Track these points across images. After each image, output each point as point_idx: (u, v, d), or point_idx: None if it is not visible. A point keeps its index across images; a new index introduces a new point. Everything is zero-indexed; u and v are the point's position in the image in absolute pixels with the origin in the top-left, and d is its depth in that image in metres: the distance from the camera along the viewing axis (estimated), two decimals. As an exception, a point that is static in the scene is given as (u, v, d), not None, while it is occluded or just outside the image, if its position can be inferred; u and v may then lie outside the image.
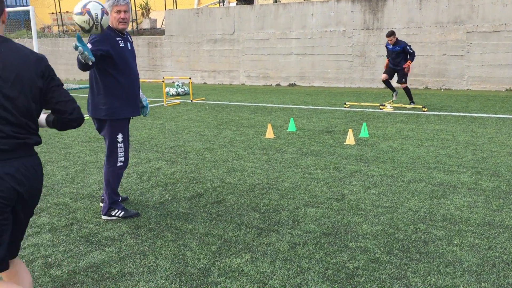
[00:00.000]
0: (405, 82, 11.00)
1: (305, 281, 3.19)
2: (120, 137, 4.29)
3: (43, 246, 3.82)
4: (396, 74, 11.20)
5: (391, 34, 10.84)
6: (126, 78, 4.25)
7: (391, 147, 7.04)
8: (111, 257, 3.59)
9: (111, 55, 4.09)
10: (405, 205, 4.58)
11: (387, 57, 11.21)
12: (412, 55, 10.77)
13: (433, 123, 8.99)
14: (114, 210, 4.37)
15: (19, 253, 2.52)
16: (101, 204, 4.63)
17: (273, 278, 3.23)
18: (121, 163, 4.37)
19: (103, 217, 4.39)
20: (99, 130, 4.35)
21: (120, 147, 4.31)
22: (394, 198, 4.79)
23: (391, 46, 10.93)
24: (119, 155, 4.33)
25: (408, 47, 10.77)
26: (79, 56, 3.68)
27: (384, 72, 11.26)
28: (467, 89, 14.70)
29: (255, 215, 4.41)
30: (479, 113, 10.00)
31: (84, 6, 3.65)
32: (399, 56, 10.89)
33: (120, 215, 4.36)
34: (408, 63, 10.81)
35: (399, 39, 11.15)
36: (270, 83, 18.02)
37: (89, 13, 3.64)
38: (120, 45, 4.20)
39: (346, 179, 5.47)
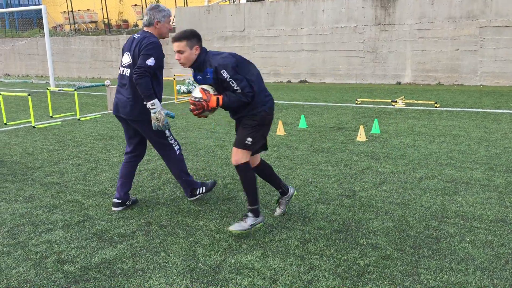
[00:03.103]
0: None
1: (316, 278, 3.18)
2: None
3: (56, 242, 3.87)
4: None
5: (181, 37, 3.83)
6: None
7: (403, 143, 6.99)
8: (123, 254, 3.62)
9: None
10: (417, 202, 4.55)
11: None
12: (245, 96, 3.84)
13: (445, 119, 8.91)
14: (196, 189, 4.71)
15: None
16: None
17: (284, 275, 3.23)
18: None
19: (190, 199, 4.75)
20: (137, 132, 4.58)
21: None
22: (406, 195, 4.76)
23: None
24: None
25: (229, 77, 3.78)
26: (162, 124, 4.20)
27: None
28: (480, 85, 14.54)
29: (266, 212, 4.41)
30: (493, 109, 9.89)
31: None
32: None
33: (203, 191, 4.74)
34: (212, 101, 3.88)
35: (212, 53, 3.95)
36: (280, 80, 17.98)
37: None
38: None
39: (357, 176, 5.45)
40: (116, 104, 4.46)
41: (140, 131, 4.48)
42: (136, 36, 4.39)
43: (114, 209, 4.56)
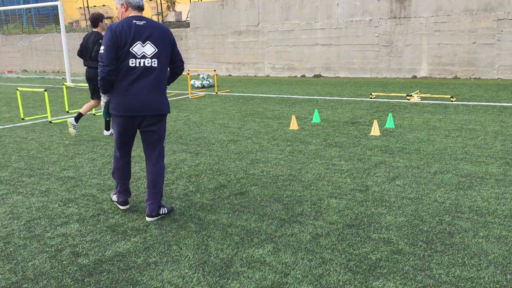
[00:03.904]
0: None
1: (327, 272, 3.19)
2: None
3: (71, 235, 3.93)
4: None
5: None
6: None
7: (418, 137, 6.93)
8: (136, 247, 3.67)
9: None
10: (430, 197, 4.52)
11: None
12: None
13: (461, 113, 8.81)
14: (161, 208, 4.24)
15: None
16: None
17: (295, 269, 3.24)
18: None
19: (151, 219, 4.17)
20: (152, 125, 4.07)
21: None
22: (419, 190, 4.73)
23: None
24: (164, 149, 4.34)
25: None
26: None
27: None
28: (498, 78, 14.32)
29: (278, 206, 4.42)
30: (510, 103, 9.74)
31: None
32: None
33: (165, 212, 4.27)
34: None
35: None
36: (295, 75, 17.93)
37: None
38: None
39: (371, 170, 5.42)
40: (135, 104, 3.94)
41: (156, 127, 4.06)
42: (140, 23, 3.92)
43: (122, 208, 4.47)
